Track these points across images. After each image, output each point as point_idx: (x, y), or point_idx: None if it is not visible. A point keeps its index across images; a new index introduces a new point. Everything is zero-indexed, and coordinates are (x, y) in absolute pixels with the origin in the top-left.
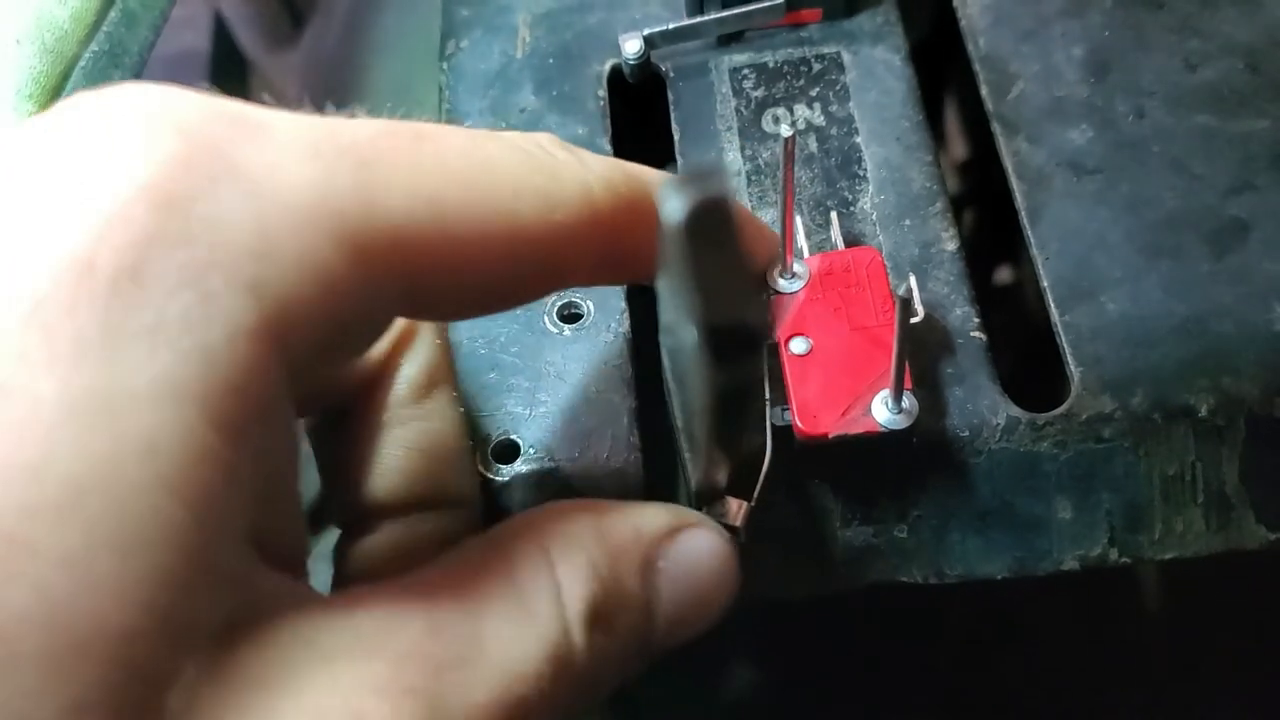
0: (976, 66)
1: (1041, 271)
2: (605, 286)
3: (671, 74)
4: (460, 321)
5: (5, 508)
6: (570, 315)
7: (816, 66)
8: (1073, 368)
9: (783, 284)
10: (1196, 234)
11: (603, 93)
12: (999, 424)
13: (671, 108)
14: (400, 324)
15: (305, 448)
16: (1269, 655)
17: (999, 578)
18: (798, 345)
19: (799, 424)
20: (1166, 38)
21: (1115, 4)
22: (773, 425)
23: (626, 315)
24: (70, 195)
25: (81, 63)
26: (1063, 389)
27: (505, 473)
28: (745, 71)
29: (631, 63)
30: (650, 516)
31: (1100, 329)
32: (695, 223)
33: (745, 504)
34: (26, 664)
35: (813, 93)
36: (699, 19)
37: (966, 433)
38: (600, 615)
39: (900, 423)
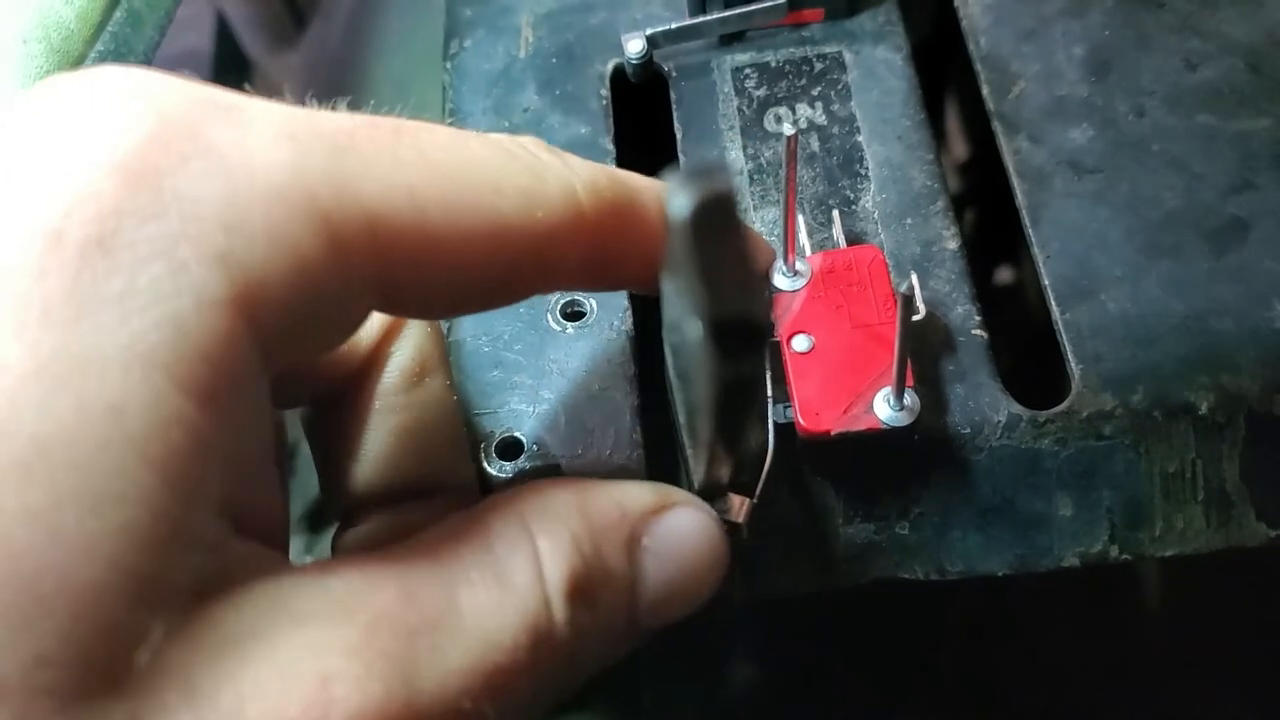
0: (977, 66)
1: (1042, 270)
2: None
3: (674, 73)
4: (450, 319)
5: None
6: (573, 313)
7: (818, 66)
8: (1073, 365)
9: (785, 282)
10: (1197, 233)
11: (605, 92)
12: (1000, 421)
13: (674, 107)
14: None
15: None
16: (1270, 653)
17: (1000, 574)
18: (800, 343)
19: (801, 421)
20: (1167, 37)
21: (1116, 4)
22: (775, 422)
23: (629, 313)
24: (42, 169)
25: (87, 62)
26: (1063, 386)
27: (508, 470)
28: (747, 71)
29: (634, 62)
30: (635, 493)
31: (1101, 327)
32: (700, 217)
33: (747, 501)
34: None
35: (814, 92)
36: (701, 19)
37: (968, 430)
38: (582, 590)
39: (902, 420)
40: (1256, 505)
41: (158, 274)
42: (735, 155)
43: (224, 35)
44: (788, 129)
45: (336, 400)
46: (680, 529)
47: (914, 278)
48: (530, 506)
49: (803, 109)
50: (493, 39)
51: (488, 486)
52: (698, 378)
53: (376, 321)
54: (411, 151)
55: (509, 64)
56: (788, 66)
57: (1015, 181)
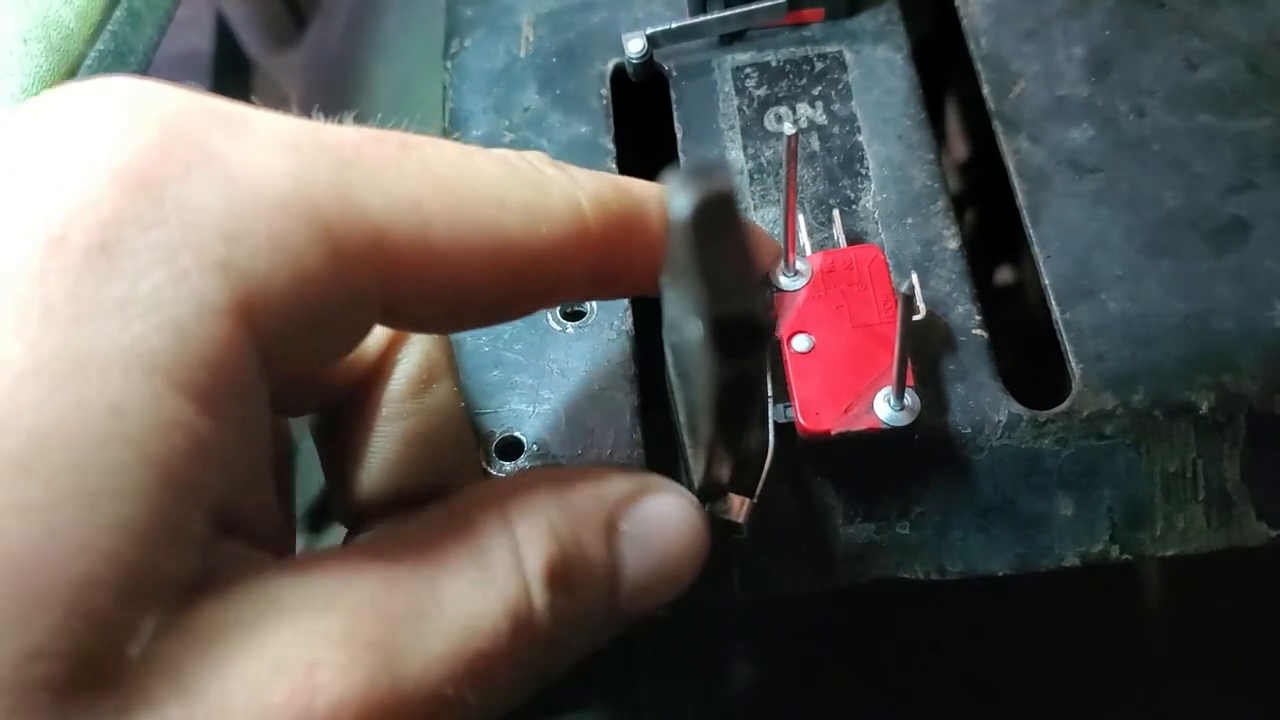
0: (978, 66)
1: (1043, 269)
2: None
3: (674, 73)
4: (455, 334)
5: None
6: (573, 313)
7: (819, 65)
8: (1074, 365)
9: (785, 282)
10: (1197, 232)
11: (606, 92)
12: (1000, 421)
13: (674, 106)
14: None
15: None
16: (1270, 653)
17: (1000, 574)
18: (800, 343)
19: (801, 421)
20: (1167, 37)
21: (1116, 3)
22: (775, 422)
23: (629, 313)
24: (44, 177)
25: (87, 62)
26: (1064, 386)
27: (508, 470)
28: (748, 70)
29: (634, 62)
30: (613, 480)
31: (1101, 326)
32: (701, 215)
33: (748, 501)
34: None
35: (815, 91)
36: (702, 18)
37: (968, 430)
38: (561, 576)
39: (902, 420)
40: (1257, 505)
41: (159, 281)
42: (735, 155)
43: (224, 35)
44: (788, 128)
45: (345, 406)
46: (658, 514)
47: (914, 277)
48: (508, 496)
49: (803, 108)
50: (493, 38)
51: None
52: (698, 377)
53: (383, 328)
54: (417, 166)
55: (509, 63)
56: (788, 66)
57: (1016, 181)
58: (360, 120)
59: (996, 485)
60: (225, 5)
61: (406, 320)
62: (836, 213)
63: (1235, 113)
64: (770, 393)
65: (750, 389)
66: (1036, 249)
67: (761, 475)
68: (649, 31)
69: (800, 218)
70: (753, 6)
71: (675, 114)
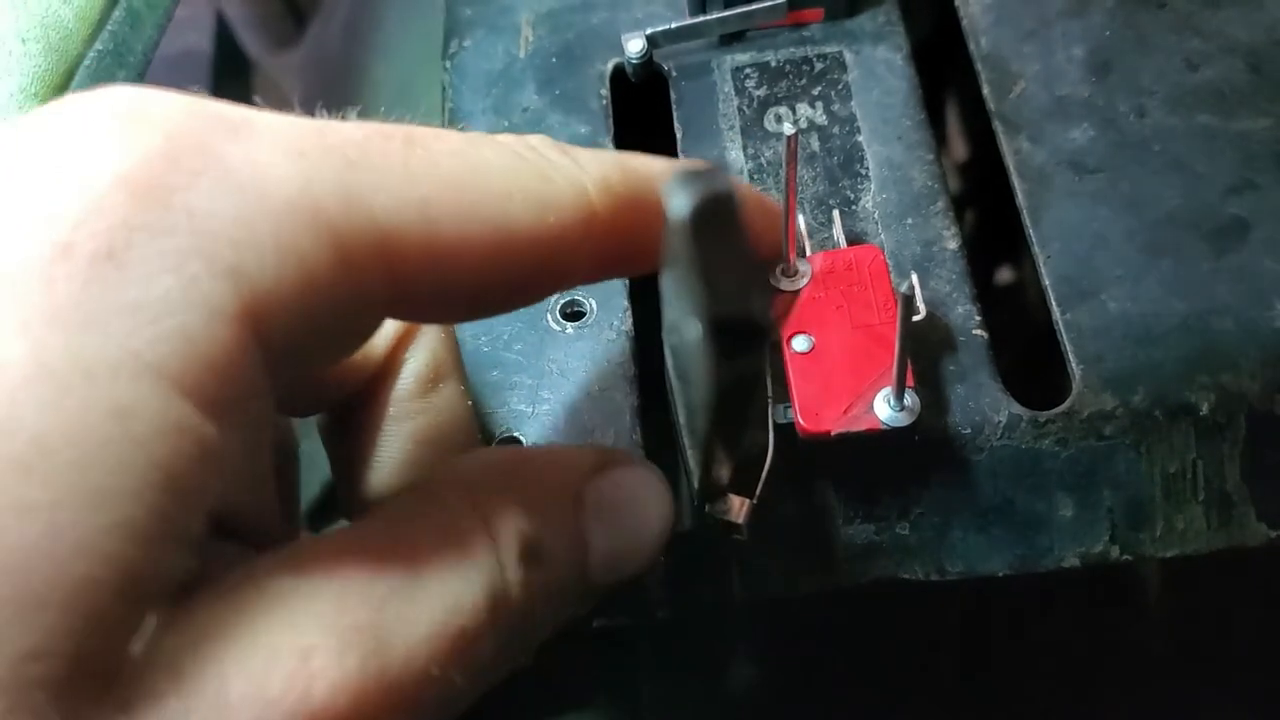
0: (978, 66)
1: (1043, 270)
2: (608, 282)
3: (674, 73)
4: (462, 324)
5: None
6: (573, 313)
7: (818, 66)
8: (1074, 365)
9: (785, 282)
10: (1197, 232)
11: (605, 92)
12: (1001, 422)
13: (674, 107)
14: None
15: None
16: (1271, 653)
17: (1000, 575)
18: (800, 343)
19: (801, 421)
20: (1168, 37)
21: (1117, 4)
22: (775, 423)
23: (629, 313)
24: (49, 185)
25: (86, 62)
26: (1064, 387)
27: None
28: (747, 71)
29: (634, 62)
30: (577, 455)
31: (1101, 327)
32: (701, 217)
33: (747, 501)
34: None
35: (815, 92)
36: (701, 18)
37: (968, 430)
38: (532, 551)
39: (902, 420)
40: (1257, 505)
41: (169, 287)
42: (735, 155)
43: (223, 35)
44: (788, 129)
45: (352, 407)
46: (622, 486)
47: (914, 278)
48: (478, 476)
49: (803, 109)
50: (493, 38)
51: None
52: (698, 378)
53: (391, 329)
54: (423, 162)
55: (509, 63)
56: (788, 66)
57: (1016, 181)
58: (362, 118)
59: (996, 486)
60: (225, 5)
61: (413, 314)
62: (836, 213)
63: (1235, 113)
64: (770, 393)
65: (750, 390)
66: (1037, 249)
67: (761, 476)
68: (649, 32)
69: (800, 218)
70: (752, 7)
71: (675, 114)
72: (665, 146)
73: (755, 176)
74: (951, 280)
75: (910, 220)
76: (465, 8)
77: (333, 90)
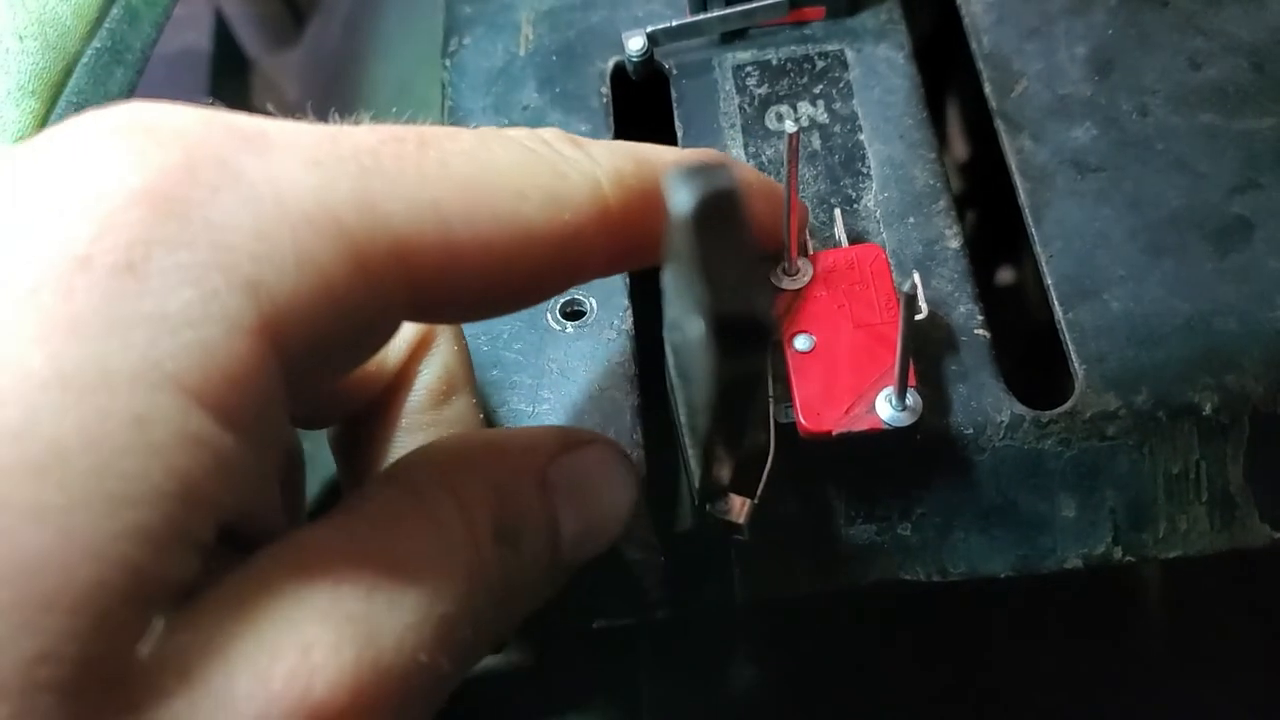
0: (980, 64)
1: (1045, 269)
2: (608, 281)
3: (675, 71)
4: (477, 322)
5: None
6: (573, 312)
7: (820, 64)
8: (1076, 365)
9: (787, 281)
10: (1200, 232)
11: (606, 90)
12: (1003, 422)
13: (675, 105)
14: (418, 331)
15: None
16: (1273, 654)
17: (1002, 576)
18: (801, 342)
19: (802, 421)
20: (1170, 36)
21: (1119, 2)
22: (776, 422)
23: (629, 313)
24: (69, 200)
25: (84, 59)
26: (1067, 387)
27: None
28: (749, 69)
29: (635, 60)
30: (541, 436)
31: (1104, 327)
32: (703, 214)
33: (749, 501)
34: None
35: (816, 90)
36: (702, 16)
37: (970, 430)
38: (505, 531)
39: (904, 420)
40: (1260, 506)
41: (189, 300)
42: (736, 153)
43: (222, 33)
44: (789, 127)
45: (364, 419)
46: (586, 464)
47: (916, 277)
48: (449, 460)
49: (804, 107)
50: (492, 36)
51: None
52: (698, 377)
53: (404, 341)
54: (436, 166)
55: (509, 61)
56: (789, 64)
57: (1018, 180)
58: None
59: (999, 486)
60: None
61: (427, 315)
62: (838, 212)
63: (1238, 112)
64: (771, 393)
65: (751, 389)
66: (1039, 248)
67: (762, 476)
68: (649, 29)
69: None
70: (754, 4)
71: (676, 113)
72: (666, 145)
73: None
74: (953, 279)
75: (912, 219)
76: (465, 6)
77: (332, 89)
